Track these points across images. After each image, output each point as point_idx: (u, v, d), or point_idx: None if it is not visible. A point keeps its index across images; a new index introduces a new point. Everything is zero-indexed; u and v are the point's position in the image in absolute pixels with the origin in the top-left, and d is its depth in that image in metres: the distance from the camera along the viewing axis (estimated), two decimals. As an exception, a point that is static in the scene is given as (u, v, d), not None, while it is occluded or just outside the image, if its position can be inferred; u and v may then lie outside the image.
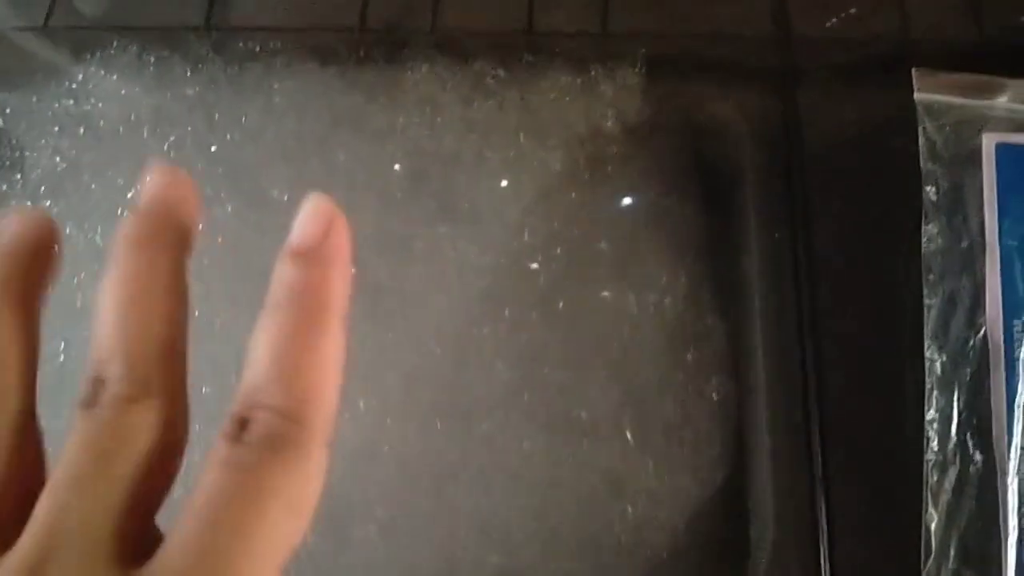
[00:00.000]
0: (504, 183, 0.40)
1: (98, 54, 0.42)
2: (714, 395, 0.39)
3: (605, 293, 0.40)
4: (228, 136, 0.41)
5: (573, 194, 0.41)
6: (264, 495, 0.17)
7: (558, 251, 0.40)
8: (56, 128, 0.42)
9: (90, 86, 0.42)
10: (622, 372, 0.39)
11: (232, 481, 0.17)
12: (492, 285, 0.39)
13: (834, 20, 0.42)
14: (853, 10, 0.42)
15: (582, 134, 0.41)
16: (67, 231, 0.39)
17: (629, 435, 0.38)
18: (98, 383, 0.18)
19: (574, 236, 0.40)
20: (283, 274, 0.19)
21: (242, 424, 0.18)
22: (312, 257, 0.20)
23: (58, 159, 0.42)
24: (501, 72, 0.41)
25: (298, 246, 0.20)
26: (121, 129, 0.41)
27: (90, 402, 0.18)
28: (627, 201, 0.41)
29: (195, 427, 0.19)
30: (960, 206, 0.36)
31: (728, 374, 0.39)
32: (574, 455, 0.38)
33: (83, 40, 0.43)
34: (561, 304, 0.40)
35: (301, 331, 0.19)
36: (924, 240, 0.36)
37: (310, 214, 0.20)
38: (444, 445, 0.38)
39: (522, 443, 0.38)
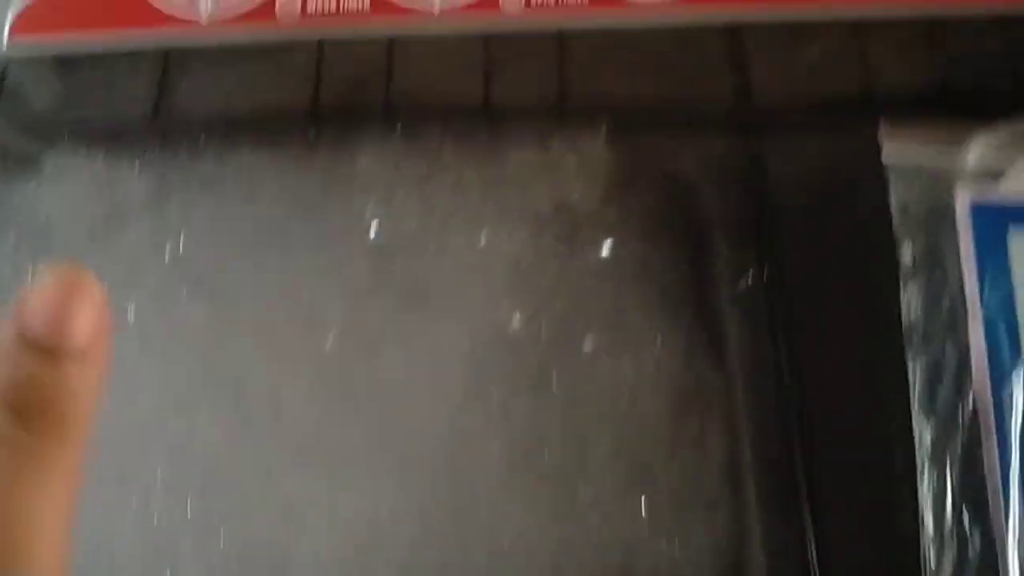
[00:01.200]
0: (473, 263, 0.39)
1: (49, 152, 0.41)
2: (718, 459, 0.37)
3: (595, 362, 0.38)
4: (183, 235, 0.39)
5: (547, 266, 0.40)
6: (41, 481, 0.16)
7: (541, 325, 0.39)
8: (12, 239, 0.40)
9: (41, 190, 0.41)
10: (623, 441, 0.38)
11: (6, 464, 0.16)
12: (476, 369, 0.38)
13: (795, 73, 0.41)
14: (817, 55, 0.42)
15: (548, 206, 0.40)
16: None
17: (638, 507, 0.37)
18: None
19: (555, 308, 0.39)
20: (12, 365, 0.16)
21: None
22: (53, 349, 0.16)
23: (9, 271, 0.40)
24: (459, 148, 0.40)
25: (33, 332, 0.16)
26: (75, 236, 0.40)
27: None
28: (603, 268, 0.40)
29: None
30: (938, 267, 0.35)
31: (728, 437, 0.38)
32: (582, 533, 0.37)
33: (32, 136, 0.41)
34: (553, 378, 0.38)
35: (21, 463, 0.16)
36: (904, 304, 0.35)
37: (51, 288, 0.16)
38: (446, 535, 0.37)
39: (528, 526, 0.37)
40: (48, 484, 0.16)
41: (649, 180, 0.40)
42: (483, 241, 0.39)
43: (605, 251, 0.39)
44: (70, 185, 0.40)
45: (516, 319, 0.38)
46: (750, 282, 0.38)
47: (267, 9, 0.43)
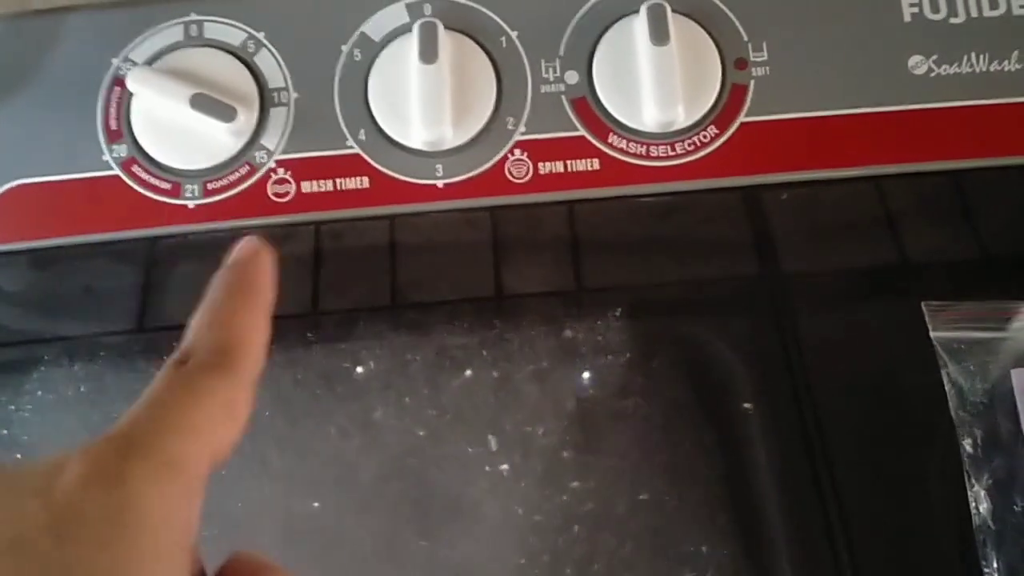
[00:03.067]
0: (496, 469, 0.36)
1: (32, 374, 0.37)
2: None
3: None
4: None
5: (572, 460, 0.37)
6: (201, 391, 0.21)
7: (575, 530, 0.36)
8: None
9: (24, 411, 0.38)
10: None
11: (175, 381, 0.21)
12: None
13: (821, 237, 0.39)
14: (842, 216, 0.39)
15: (568, 398, 0.37)
16: None
17: None
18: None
19: (589, 512, 0.36)
20: (216, 277, 0.25)
21: (183, 361, 0.22)
22: (239, 264, 0.26)
23: None
24: (470, 342, 0.37)
25: (230, 261, 0.26)
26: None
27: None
28: (636, 462, 0.37)
29: None
30: (1004, 457, 0.33)
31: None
32: None
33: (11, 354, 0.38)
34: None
35: (230, 302, 0.24)
36: (972, 504, 0.32)
37: (241, 243, 0.26)
38: None
39: None
40: (203, 406, 0.21)
41: (674, 361, 0.38)
42: (503, 445, 0.36)
43: (635, 450, 0.36)
44: (54, 405, 0.37)
45: (548, 529, 0.35)
46: (793, 466, 0.35)
47: (258, 191, 0.40)
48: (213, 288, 0.25)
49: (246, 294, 0.25)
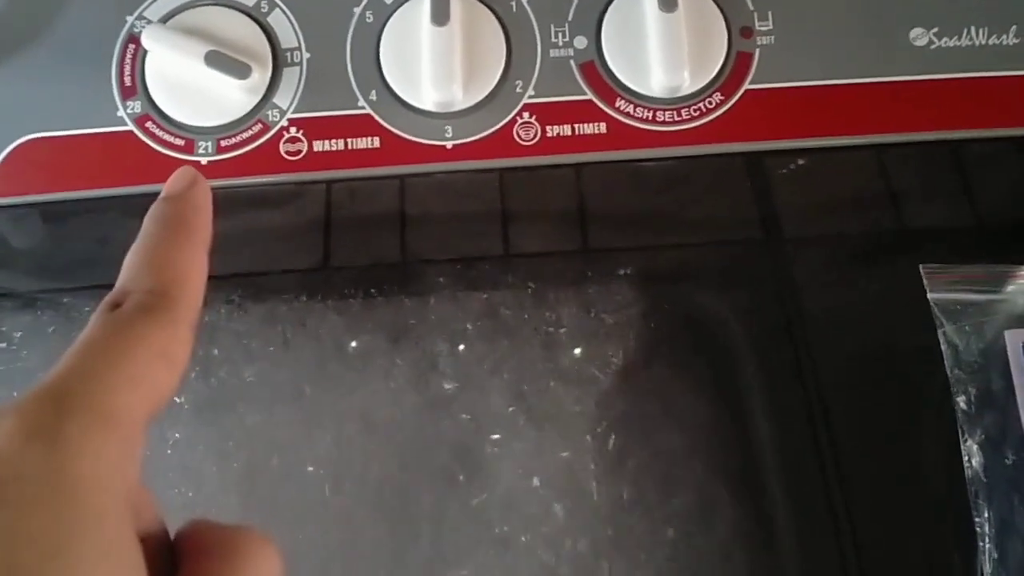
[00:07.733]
0: (504, 427, 0.37)
1: (47, 326, 0.38)
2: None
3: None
4: (213, 381, 0.37)
5: (572, 421, 0.38)
6: (136, 336, 0.20)
7: (574, 491, 0.37)
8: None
9: (24, 351, 0.38)
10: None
11: (109, 326, 0.20)
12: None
13: (823, 203, 0.40)
14: (844, 184, 0.40)
15: (569, 360, 0.38)
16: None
17: None
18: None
19: (584, 472, 0.37)
20: (151, 210, 0.24)
21: (117, 304, 0.21)
22: (176, 198, 0.24)
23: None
24: (476, 299, 0.38)
25: (165, 193, 0.25)
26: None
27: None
28: (635, 425, 0.38)
29: None
30: (996, 414, 0.34)
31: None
32: None
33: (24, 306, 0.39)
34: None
35: (166, 239, 0.23)
36: (965, 458, 0.33)
37: (176, 174, 0.25)
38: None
39: None
40: (138, 353, 0.20)
41: (676, 323, 0.39)
42: (505, 402, 0.37)
43: (629, 409, 0.37)
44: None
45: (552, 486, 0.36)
46: (791, 422, 0.36)
47: (271, 149, 0.41)
48: (148, 223, 0.23)
49: (183, 230, 0.23)
